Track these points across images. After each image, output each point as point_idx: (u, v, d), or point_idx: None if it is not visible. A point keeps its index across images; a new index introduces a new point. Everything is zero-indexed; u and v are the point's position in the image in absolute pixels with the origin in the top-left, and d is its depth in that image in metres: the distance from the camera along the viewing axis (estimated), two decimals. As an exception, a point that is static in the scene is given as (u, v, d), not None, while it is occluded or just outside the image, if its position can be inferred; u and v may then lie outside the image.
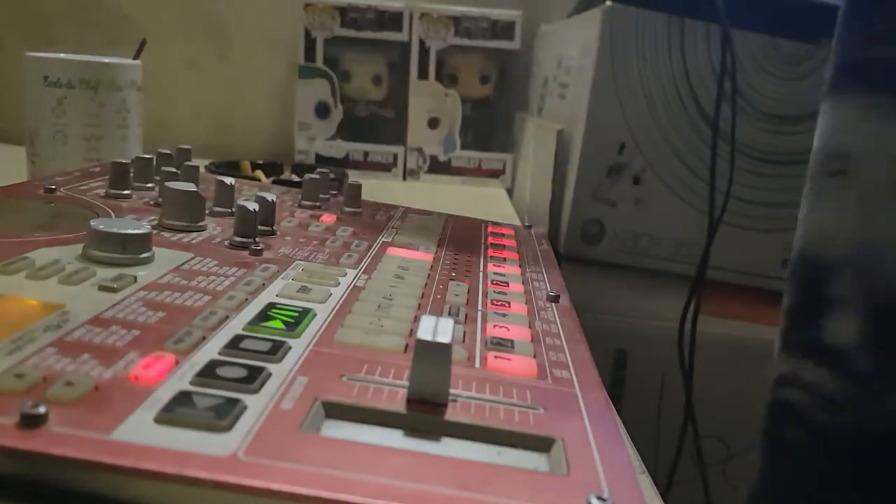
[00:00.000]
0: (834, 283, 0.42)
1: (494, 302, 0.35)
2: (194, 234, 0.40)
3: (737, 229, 0.83)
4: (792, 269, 0.46)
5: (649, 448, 0.80)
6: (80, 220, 0.39)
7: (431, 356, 0.24)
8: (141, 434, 0.20)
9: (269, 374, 0.24)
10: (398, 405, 0.23)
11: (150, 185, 0.49)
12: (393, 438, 0.22)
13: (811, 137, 0.47)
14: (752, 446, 0.49)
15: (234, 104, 1.11)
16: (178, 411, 0.21)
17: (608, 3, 0.79)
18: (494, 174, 1.06)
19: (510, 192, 1.04)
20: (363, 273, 0.37)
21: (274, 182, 0.72)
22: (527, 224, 0.56)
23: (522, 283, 0.40)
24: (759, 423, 0.49)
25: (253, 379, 0.23)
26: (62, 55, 0.65)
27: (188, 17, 1.09)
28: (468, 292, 0.36)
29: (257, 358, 0.25)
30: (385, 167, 1.05)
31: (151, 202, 0.46)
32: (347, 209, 0.51)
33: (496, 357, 0.28)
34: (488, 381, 0.26)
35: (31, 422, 0.19)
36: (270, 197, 0.42)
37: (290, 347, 0.27)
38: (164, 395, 0.22)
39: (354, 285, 0.35)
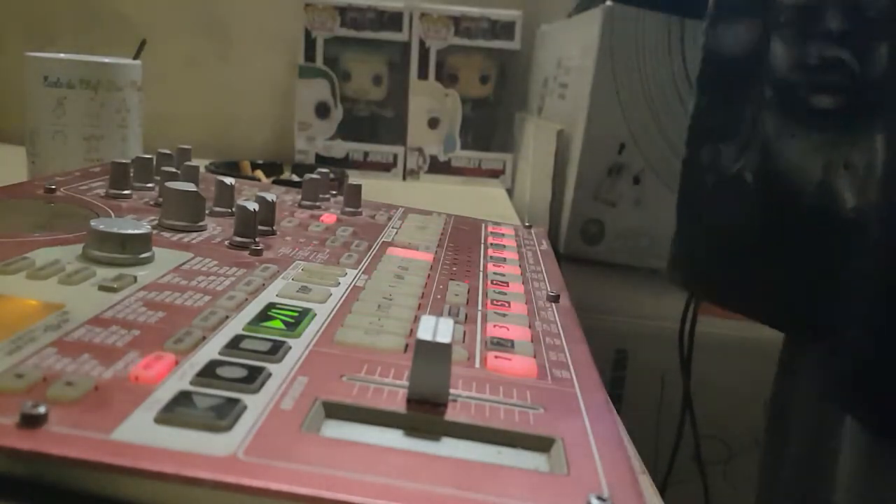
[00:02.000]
0: None
1: (494, 302, 0.35)
2: (194, 234, 0.40)
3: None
4: None
5: (649, 448, 0.80)
6: (80, 220, 0.39)
7: (431, 356, 0.24)
8: (141, 434, 0.20)
9: (269, 374, 0.24)
10: (398, 405, 0.23)
11: (150, 185, 0.49)
12: (393, 438, 0.22)
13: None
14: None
15: (234, 104, 1.11)
16: (178, 411, 0.21)
17: (608, 3, 0.79)
18: (494, 174, 1.06)
19: (510, 192, 1.04)
20: (363, 273, 0.37)
21: (274, 182, 0.72)
22: (527, 224, 0.56)
23: (522, 283, 0.40)
24: (759, 424, 0.50)
25: (253, 379, 0.23)
26: (62, 55, 0.65)
27: (188, 17, 1.09)
28: (468, 292, 0.36)
29: (257, 358, 0.25)
30: (385, 167, 1.05)
31: (151, 202, 0.46)
32: (347, 209, 0.51)
33: (496, 357, 0.28)
34: (488, 381, 0.26)
35: (31, 422, 0.19)
36: (270, 197, 0.42)
37: (290, 347, 0.27)
38: (164, 395, 0.22)
39: (354, 285, 0.35)
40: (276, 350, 0.26)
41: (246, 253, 0.38)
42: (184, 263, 0.35)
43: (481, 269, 0.42)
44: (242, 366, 0.24)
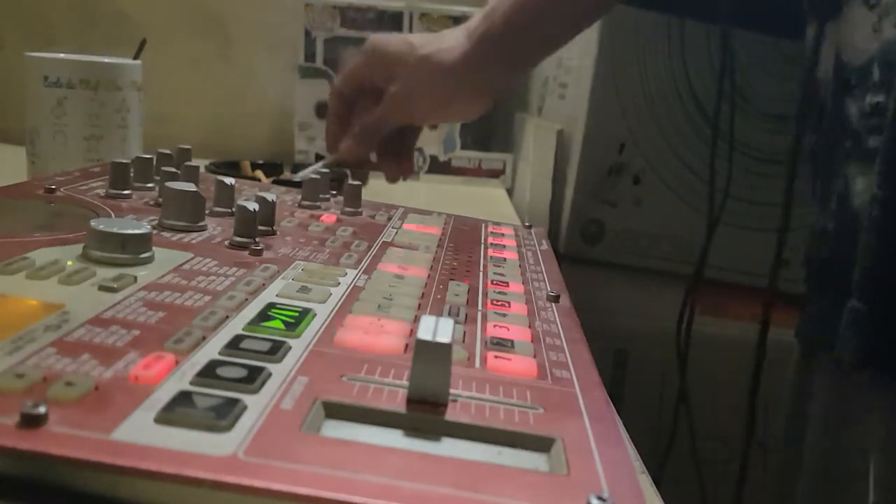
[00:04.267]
0: None
1: (494, 302, 0.35)
2: (194, 234, 0.40)
3: (737, 229, 0.83)
4: None
5: (649, 448, 0.80)
6: (80, 220, 0.39)
7: (431, 356, 0.24)
8: (141, 434, 0.20)
9: (270, 374, 0.24)
10: (398, 405, 0.23)
11: (150, 185, 0.49)
12: (393, 438, 0.22)
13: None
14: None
15: (234, 104, 1.11)
16: (178, 411, 0.21)
17: (608, 3, 0.79)
18: (494, 174, 1.06)
19: (510, 192, 1.04)
20: (363, 273, 0.37)
21: (274, 182, 0.71)
22: (527, 224, 0.56)
23: (522, 283, 0.40)
24: (759, 425, 0.51)
25: (253, 379, 0.23)
26: (62, 55, 0.65)
27: (189, 16, 1.09)
28: (468, 292, 0.36)
29: (257, 358, 0.25)
30: (385, 167, 1.04)
31: (151, 202, 0.46)
32: (347, 209, 0.51)
33: (496, 357, 0.28)
34: (488, 381, 0.26)
35: (31, 422, 0.19)
36: (270, 197, 0.42)
37: (290, 347, 0.27)
38: (164, 395, 0.22)
39: (354, 285, 0.35)
40: (276, 350, 0.26)
41: (246, 253, 0.38)
42: (184, 263, 0.35)
43: (481, 269, 0.42)
44: (242, 366, 0.24)
